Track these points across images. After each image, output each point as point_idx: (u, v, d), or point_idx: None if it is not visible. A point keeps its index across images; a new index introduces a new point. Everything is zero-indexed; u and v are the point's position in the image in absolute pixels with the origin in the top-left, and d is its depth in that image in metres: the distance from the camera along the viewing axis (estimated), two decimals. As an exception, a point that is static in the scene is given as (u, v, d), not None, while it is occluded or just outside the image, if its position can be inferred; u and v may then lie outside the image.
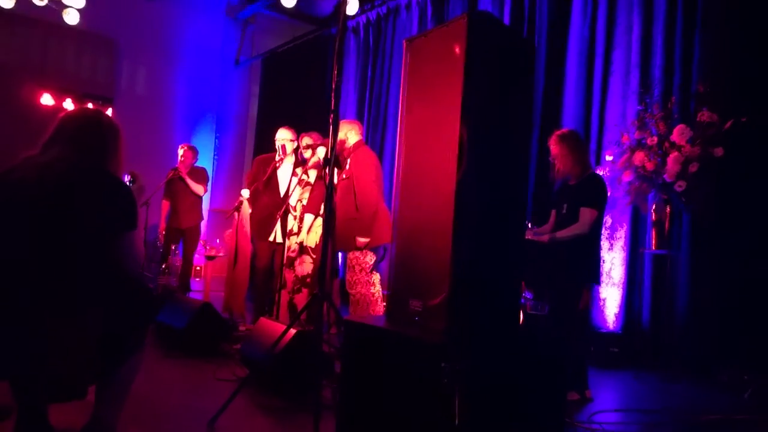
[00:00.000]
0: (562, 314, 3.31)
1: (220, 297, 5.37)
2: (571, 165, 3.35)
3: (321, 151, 4.30)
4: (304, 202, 4.39)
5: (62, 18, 5.51)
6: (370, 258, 3.93)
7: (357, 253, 3.92)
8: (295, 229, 4.38)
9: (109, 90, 7.46)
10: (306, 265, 4.34)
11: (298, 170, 4.40)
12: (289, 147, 4.63)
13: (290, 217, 4.45)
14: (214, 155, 8.68)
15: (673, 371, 3.90)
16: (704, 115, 3.93)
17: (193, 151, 5.83)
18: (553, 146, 3.41)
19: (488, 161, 2.04)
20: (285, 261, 4.33)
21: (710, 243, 4.12)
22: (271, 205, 4.53)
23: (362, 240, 3.85)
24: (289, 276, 4.38)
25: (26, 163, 1.84)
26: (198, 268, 7.36)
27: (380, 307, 3.94)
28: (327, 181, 2.39)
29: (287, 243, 4.41)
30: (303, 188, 4.41)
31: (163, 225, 5.92)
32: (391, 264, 2.24)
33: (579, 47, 5.00)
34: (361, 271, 3.91)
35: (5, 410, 2.14)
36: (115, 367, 1.85)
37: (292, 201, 4.41)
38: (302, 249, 4.34)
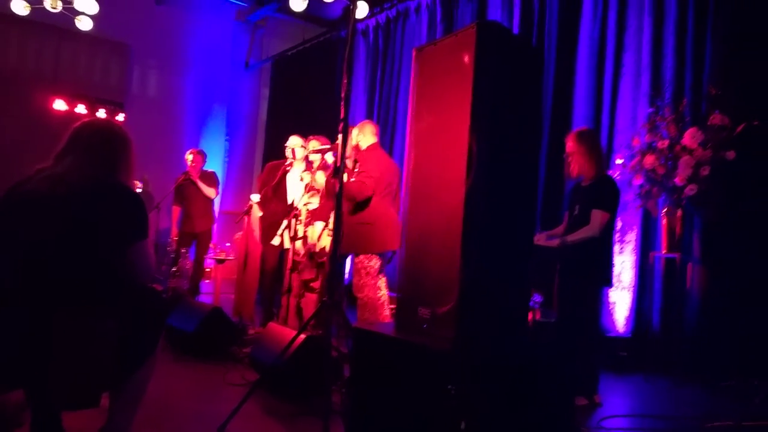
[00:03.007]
0: (572, 317, 3.30)
1: (231, 299, 5.41)
2: (587, 165, 3.31)
3: (330, 157, 4.30)
4: (310, 207, 4.39)
5: (75, 24, 5.57)
6: (375, 262, 3.93)
7: (363, 257, 3.92)
8: (300, 234, 4.39)
9: (121, 95, 7.53)
10: (310, 269, 4.35)
11: (305, 174, 4.41)
12: (300, 153, 4.67)
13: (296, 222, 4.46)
14: (225, 158, 8.73)
15: (683, 376, 3.87)
16: (716, 118, 3.90)
17: (202, 155, 5.86)
18: (570, 143, 3.35)
19: (497, 169, 2.05)
20: (291, 265, 4.34)
21: (722, 247, 4.08)
22: (280, 212, 4.56)
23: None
24: (295, 280, 4.39)
25: (39, 174, 1.86)
26: (208, 270, 7.41)
27: (387, 310, 3.95)
28: (336, 191, 2.41)
29: (294, 247, 4.43)
30: (309, 193, 4.42)
31: (174, 230, 5.93)
32: (400, 271, 2.25)
33: (589, 49, 4.98)
34: (367, 275, 3.92)
35: (20, 410, 2.18)
36: (128, 375, 1.87)
37: (299, 205, 4.43)
38: (311, 255, 4.35)
